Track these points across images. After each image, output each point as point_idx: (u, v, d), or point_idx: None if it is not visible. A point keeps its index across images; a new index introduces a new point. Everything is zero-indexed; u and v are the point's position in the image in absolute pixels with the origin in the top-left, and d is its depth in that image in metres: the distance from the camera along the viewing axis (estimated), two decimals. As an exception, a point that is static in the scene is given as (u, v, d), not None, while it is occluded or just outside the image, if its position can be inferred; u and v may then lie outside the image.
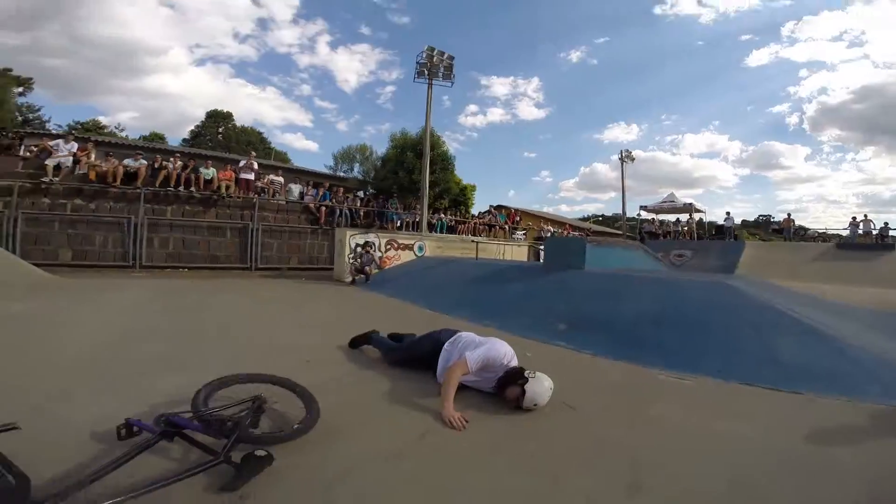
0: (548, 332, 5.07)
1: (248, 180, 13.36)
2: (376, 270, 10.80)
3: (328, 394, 2.75)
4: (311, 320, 5.77)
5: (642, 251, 9.86)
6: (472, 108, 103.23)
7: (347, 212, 14.78)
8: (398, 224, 16.26)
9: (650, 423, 2.72)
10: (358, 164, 24.42)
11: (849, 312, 6.24)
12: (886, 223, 18.95)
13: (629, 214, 26.20)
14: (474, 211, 22.04)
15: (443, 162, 20.66)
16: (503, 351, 3.03)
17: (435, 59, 16.13)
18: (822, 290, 8.49)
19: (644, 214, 24.60)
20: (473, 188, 23.25)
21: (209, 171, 12.53)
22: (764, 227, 23.16)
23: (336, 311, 6.60)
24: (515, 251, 15.99)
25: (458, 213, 20.04)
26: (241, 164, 13.63)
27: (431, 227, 16.58)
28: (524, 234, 20.50)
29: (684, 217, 23.22)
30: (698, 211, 23.26)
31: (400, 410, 2.77)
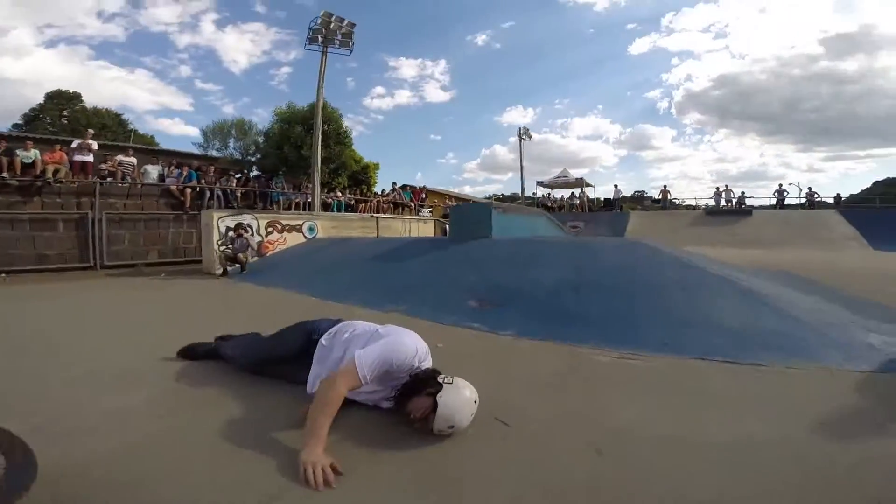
0: (459, 312, 4.15)
1: (85, 163, 10.62)
2: (254, 258, 9.06)
3: (119, 431, 1.74)
4: (144, 327, 4.15)
5: (545, 218, 9.50)
6: (379, 90, 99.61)
7: (220, 193, 12.54)
8: (287, 206, 14.30)
9: (623, 441, 1.81)
10: (234, 141, 21.27)
11: (746, 271, 6.28)
12: (743, 192, 21.79)
13: (527, 193, 26.82)
14: (377, 189, 20.56)
15: (338, 136, 18.81)
16: (412, 346, 1.95)
17: (332, 24, 14.24)
18: (703, 252, 8.79)
19: (540, 190, 25.56)
20: (377, 166, 21.74)
21: (29, 154, 9.63)
22: (639, 201, 25.57)
23: (190, 311, 4.95)
24: (422, 228, 15.03)
25: (360, 193, 18.46)
26: (75, 144, 10.89)
27: (327, 208, 14.89)
28: (430, 210, 19.63)
29: (577, 191, 24.47)
30: (588, 185, 24.76)
31: (236, 455, 1.64)
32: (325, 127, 16.59)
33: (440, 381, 1.79)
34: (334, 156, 18.29)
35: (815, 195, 21.59)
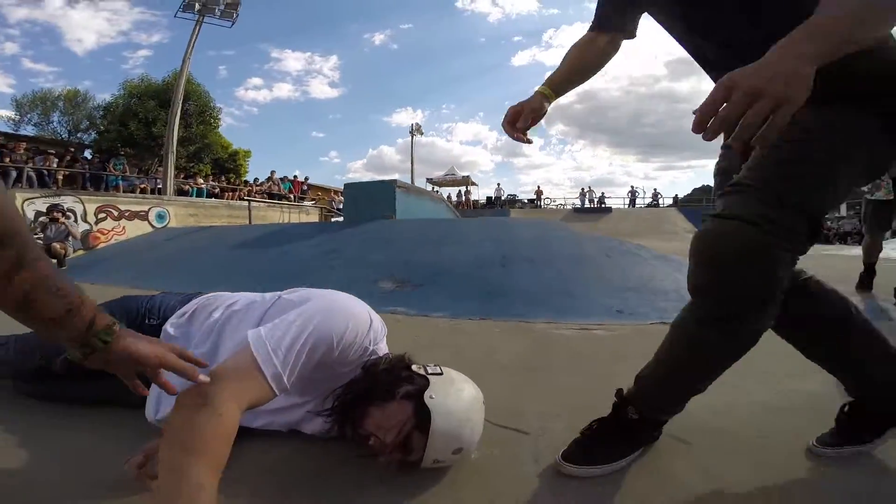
0: (373, 296, 3.32)
1: None
2: (78, 250, 6.94)
3: None
4: None
5: (444, 205, 9.08)
6: (256, 81, 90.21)
7: (32, 175, 9.61)
8: (129, 192, 11.62)
9: (688, 426, 1.12)
10: (60, 115, 16.95)
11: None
12: (603, 193, 24.88)
13: (415, 188, 26.82)
14: (249, 178, 18.11)
15: (202, 115, 16.16)
16: (360, 314, 1.00)
17: (216, -9, 12.01)
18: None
19: (429, 187, 25.66)
20: (248, 154, 19.26)
21: None
22: (511, 203, 27.86)
23: None
24: (304, 219, 13.48)
25: (227, 182, 16.00)
26: None
27: (183, 195, 12.49)
28: (314, 202, 17.94)
29: (463, 189, 25.24)
30: (473, 184, 25.73)
31: None
32: (188, 105, 14.04)
33: (421, 372, 0.98)
34: (196, 136, 15.66)
35: (659, 196, 25.44)
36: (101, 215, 7.76)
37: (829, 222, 18.68)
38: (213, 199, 12.30)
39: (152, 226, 8.51)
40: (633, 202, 25.01)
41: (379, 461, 0.92)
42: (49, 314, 0.61)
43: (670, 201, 26.30)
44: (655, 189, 25.68)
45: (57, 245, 6.26)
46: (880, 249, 3.62)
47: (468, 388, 0.99)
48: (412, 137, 25.25)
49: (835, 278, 1.19)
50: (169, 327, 1.13)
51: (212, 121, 16.65)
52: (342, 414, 0.97)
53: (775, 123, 0.58)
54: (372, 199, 5.95)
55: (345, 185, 6.46)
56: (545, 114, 1.13)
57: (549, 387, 1.58)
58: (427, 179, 26.14)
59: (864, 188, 3.54)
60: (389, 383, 0.93)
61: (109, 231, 7.78)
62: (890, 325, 2.63)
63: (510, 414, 1.26)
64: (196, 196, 12.58)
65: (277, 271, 4.28)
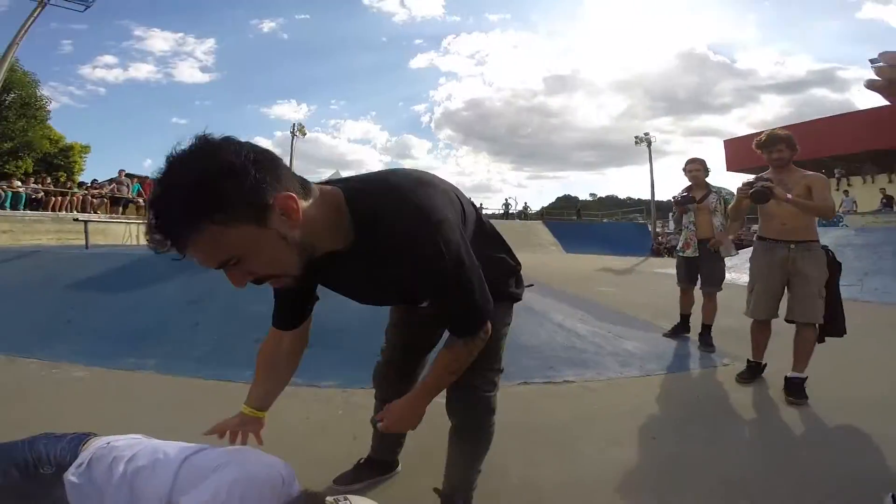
0: (251, 363, 3.04)
1: None
2: None
3: None
4: None
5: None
6: (108, 59, 75.26)
7: None
8: None
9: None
10: None
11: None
12: (482, 203, 27.03)
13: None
14: (86, 179, 15.07)
15: (24, 108, 13.14)
16: (274, 471, 1.06)
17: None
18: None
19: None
20: (86, 150, 16.15)
21: None
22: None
23: None
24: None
25: (55, 182, 13.15)
26: None
27: (-6, 203, 9.96)
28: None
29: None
30: None
31: None
32: (7, 96, 11.30)
33: None
34: (14, 131, 12.66)
35: (528, 209, 28.30)
36: None
37: (659, 238, 22.18)
38: (35, 210, 9.92)
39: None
40: (506, 213, 27.25)
41: None
42: None
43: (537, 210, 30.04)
44: (525, 202, 29.11)
45: None
46: (692, 301, 4.06)
47: None
48: (293, 138, 23.75)
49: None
50: (72, 476, 1.07)
51: (37, 114, 13.60)
52: None
53: None
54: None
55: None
56: (262, 427, 1.32)
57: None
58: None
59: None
60: None
61: None
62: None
63: None
64: (12, 204, 10.06)
65: (126, 332, 3.58)
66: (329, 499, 1.08)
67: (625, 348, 3.61)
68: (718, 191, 3.96)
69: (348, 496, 1.13)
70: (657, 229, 24.10)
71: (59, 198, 11.84)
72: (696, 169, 4.05)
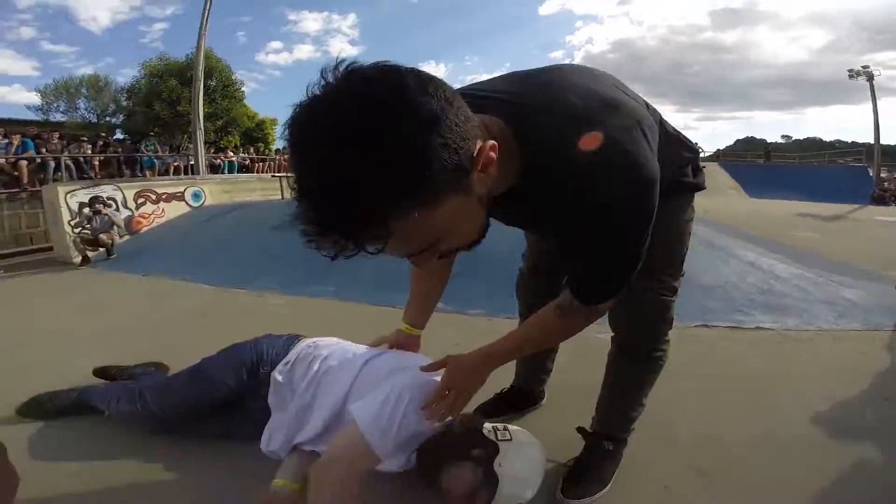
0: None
1: None
2: (124, 237, 7.23)
3: None
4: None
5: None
6: (276, 44, 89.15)
7: (70, 164, 10.05)
8: (164, 172, 11.91)
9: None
10: (86, 101, 17.24)
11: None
12: (696, 144, 24.07)
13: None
14: (279, 146, 18.13)
15: (226, 89, 16.10)
16: (435, 383, 1.08)
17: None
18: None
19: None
20: (275, 122, 19.21)
21: None
22: None
23: (36, 322, 3.12)
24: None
25: (256, 152, 16.12)
26: None
27: (216, 171, 12.69)
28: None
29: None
30: None
31: None
32: (210, 81, 13.96)
33: (491, 437, 1.08)
34: (221, 111, 15.67)
35: (700, 150, 23.97)
36: (140, 200, 7.99)
37: (885, 183, 16.98)
38: (244, 173, 12.47)
39: (189, 205, 8.72)
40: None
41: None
42: None
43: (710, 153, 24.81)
44: (697, 143, 24.20)
45: (103, 236, 6.52)
46: None
47: (533, 452, 1.10)
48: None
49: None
50: (277, 375, 1.29)
51: (236, 94, 16.54)
52: (419, 468, 1.11)
53: None
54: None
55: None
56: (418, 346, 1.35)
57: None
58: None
59: None
60: (464, 446, 1.05)
61: (150, 215, 8.03)
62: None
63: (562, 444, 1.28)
64: (227, 170, 12.80)
65: (311, 266, 4.09)
66: (487, 426, 1.11)
67: (843, 296, 2.84)
68: None
69: (507, 426, 1.13)
70: (882, 175, 18.46)
71: (261, 163, 14.65)
72: None
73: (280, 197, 9.23)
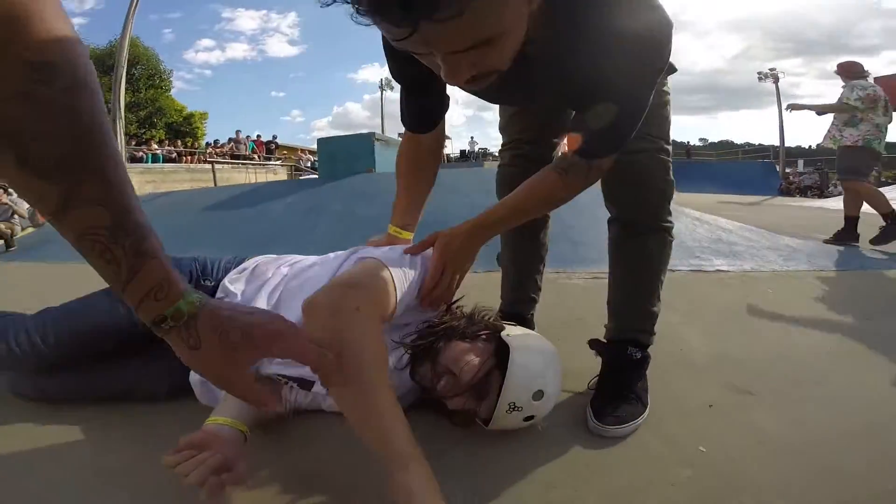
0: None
1: None
2: (27, 228, 6.35)
3: None
4: None
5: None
6: (207, 42, 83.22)
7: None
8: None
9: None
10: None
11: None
12: None
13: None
14: (209, 140, 16.93)
15: (150, 79, 14.81)
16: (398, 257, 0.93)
17: None
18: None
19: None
20: (204, 115, 17.92)
21: None
22: (485, 157, 27.90)
23: None
24: (272, 179, 12.79)
25: (184, 145, 14.92)
26: None
27: (138, 163, 11.58)
28: (280, 161, 17.03)
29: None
30: (447, 138, 25.02)
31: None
32: (134, 70, 12.79)
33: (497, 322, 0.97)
34: (146, 101, 14.40)
35: None
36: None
37: (790, 177, 18.99)
38: (171, 163, 11.44)
39: (108, 196, 7.86)
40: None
41: (450, 406, 0.87)
42: (102, 276, 0.47)
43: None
44: None
45: (1, 225, 5.67)
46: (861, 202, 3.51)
47: (546, 344, 0.92)
48: (382, 92, 24.10)
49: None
50: (227, 283, 1.06)
51: (162, 84, 15.27)
52: (421, 347, 0.92)
53: None
54: (350, 154, 5.57)
55: (318, 140, 6.00)
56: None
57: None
58: (399, 135, 25.22)
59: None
60: (470, 324, 0.93)
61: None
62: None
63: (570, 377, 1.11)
64: (152, 163, 11.70)
65: (254, 233, 3.93)
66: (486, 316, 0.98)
67: (786, 244, 3.03)
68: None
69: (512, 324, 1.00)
70: (787, 170, 20.63)
71: (190, 156, 13.55)
72: None
73: (213, 185, 8.43)
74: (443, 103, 1.04)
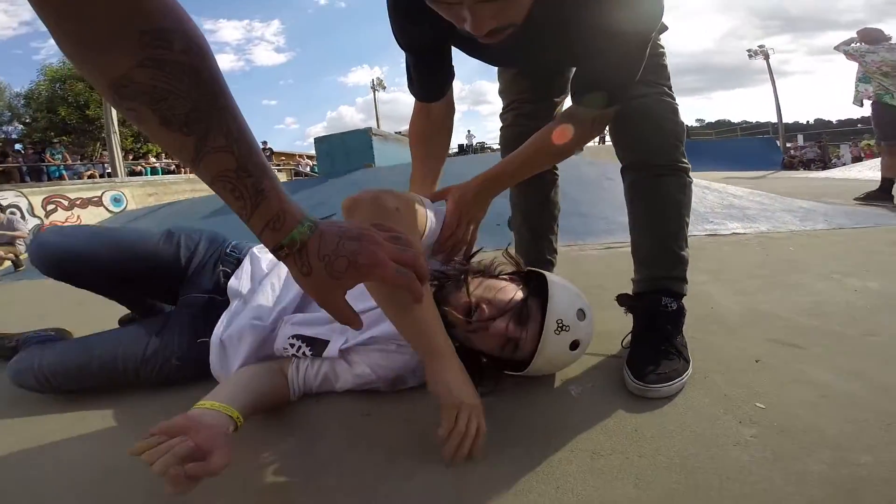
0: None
1: None
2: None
3: None
4: None
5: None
6: None
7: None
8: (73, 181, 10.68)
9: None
10: (-24, 111, 15.27)
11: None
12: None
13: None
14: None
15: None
16: None
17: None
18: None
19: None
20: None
21: None
22: (482, 150, 27.69)
23: None
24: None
25: (180, 159, 14.90)
26: None
27: (137, 176, 11.57)
28: (278, 167, 17.00)
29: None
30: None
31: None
32: None
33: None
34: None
35: None
36: (51, 207, 7.06)
37: (791, 151, 18.80)
38: (171, 175, 11.44)
39: (109, 211, 7.82)
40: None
41: (489, 335, 0.80)
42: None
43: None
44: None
45: (4, 249, 5.65)
46: None
47: (572, 288, 0.89)
48: (374, 94, 24.07)
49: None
50: (256, 251, 1.14)
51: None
52: (451, 278, 0.88)
53: None
54: (348, 150, 5.54)
55: (315, 139, 5.95)
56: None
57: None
58: (396, 133, 25.27)
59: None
60: (493, 267, 0.92)
61: (63, 223, 7.11)
62: None
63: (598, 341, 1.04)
64: (151, 175, 11.70)
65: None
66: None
67: (800, 206, 2.94)
68: None
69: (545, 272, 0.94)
70: (787, 145, 20.42)
71: (188, 168, 13.49)
72: None
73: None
74: (450, 71, 1.05)
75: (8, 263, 5.61)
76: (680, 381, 0.82)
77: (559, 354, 0.80)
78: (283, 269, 1.03)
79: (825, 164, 16.71)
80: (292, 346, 0.89)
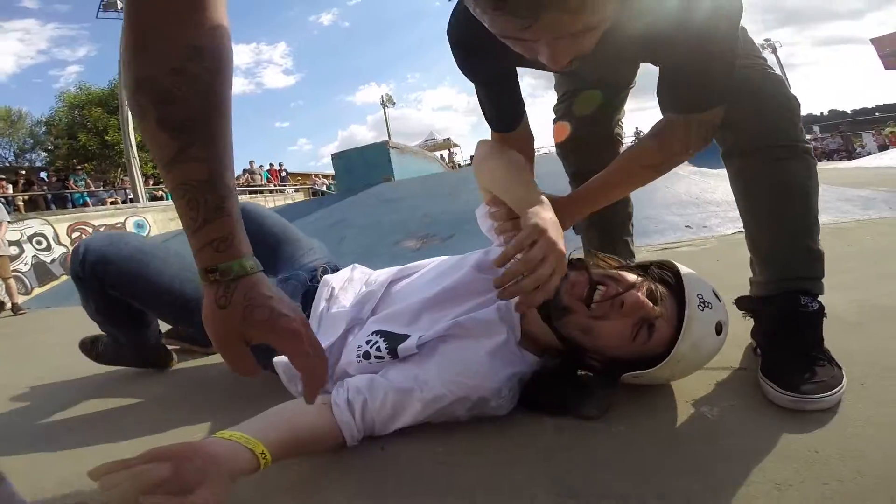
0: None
1: None
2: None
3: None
4: None
5: (438, 163, 8.62)
6: None
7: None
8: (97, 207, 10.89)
9: None
10: (-2, 138, 15.82)
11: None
12: (637, 128, 24.96)
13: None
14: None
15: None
16: None
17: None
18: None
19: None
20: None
21: None
22: None
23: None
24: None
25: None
26: None
27: (158, 201, 11.76)
28: (295, 188, 17.18)
29: (445, 153, 24.52)
30: (455, 145, 25.18)
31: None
32: None
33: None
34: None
35: (640, 132, 25.26)
36: (75, 234, 7.15)
37: (812, 143, 18.49)
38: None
39: (132, 236, 7.94)
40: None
41: (625, 306, 0.69)
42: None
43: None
44: (636, 127, 25.21)
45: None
46: None
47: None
48: (384, 110, 24.34)
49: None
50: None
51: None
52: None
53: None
54: (367, 165, 5.50)
55: (332, 155, 5.93)
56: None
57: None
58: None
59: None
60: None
61: (87, 249, 7.22)
62: None
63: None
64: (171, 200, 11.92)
65: None
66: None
67: (857, 195, 2.76)
68: None
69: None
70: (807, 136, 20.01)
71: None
72: None
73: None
74: (521, 98, 0.96)
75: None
76: (840, 390, 0.68)
77: (706, 337, 0.68)
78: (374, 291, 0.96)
79: (850, 153, 16.25)
80: (368, 342, 0.78)
